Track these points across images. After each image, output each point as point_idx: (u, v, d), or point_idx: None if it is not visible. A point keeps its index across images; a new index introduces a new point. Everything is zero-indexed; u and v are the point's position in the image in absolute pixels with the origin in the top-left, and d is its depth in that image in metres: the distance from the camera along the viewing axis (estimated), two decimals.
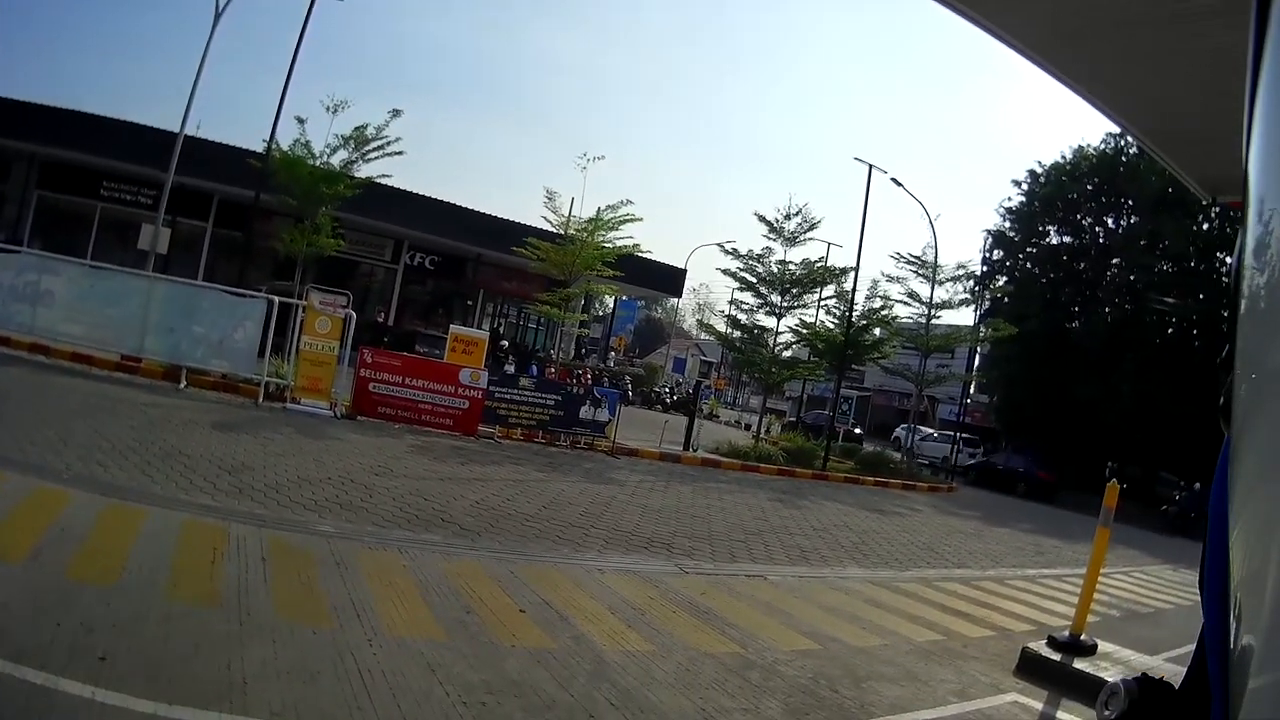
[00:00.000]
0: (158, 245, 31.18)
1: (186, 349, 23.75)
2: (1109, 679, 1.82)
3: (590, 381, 40.29)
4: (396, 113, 33.63)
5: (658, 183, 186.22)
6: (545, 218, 40.75)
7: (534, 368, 42.53)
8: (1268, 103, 1.32)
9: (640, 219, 38.70)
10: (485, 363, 27.06)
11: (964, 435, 58.60)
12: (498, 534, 14.00)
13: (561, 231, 39.54)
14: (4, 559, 8.24)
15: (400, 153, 33.98)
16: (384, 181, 36.11)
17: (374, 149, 33.61)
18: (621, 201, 38.34)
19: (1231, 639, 1.33)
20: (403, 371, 24.70)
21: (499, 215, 51.70)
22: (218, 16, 30.73)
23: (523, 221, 47.56)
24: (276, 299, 24.56)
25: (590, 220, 38.56)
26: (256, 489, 13.59)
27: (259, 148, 34.53)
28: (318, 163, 33.07)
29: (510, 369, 38.22)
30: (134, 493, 11.85)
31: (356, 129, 33.42)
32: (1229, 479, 1.40)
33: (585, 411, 27.91)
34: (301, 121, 33.78)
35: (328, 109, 33.71)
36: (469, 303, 55.38)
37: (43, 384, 19.82)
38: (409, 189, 46.02)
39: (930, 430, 64.19)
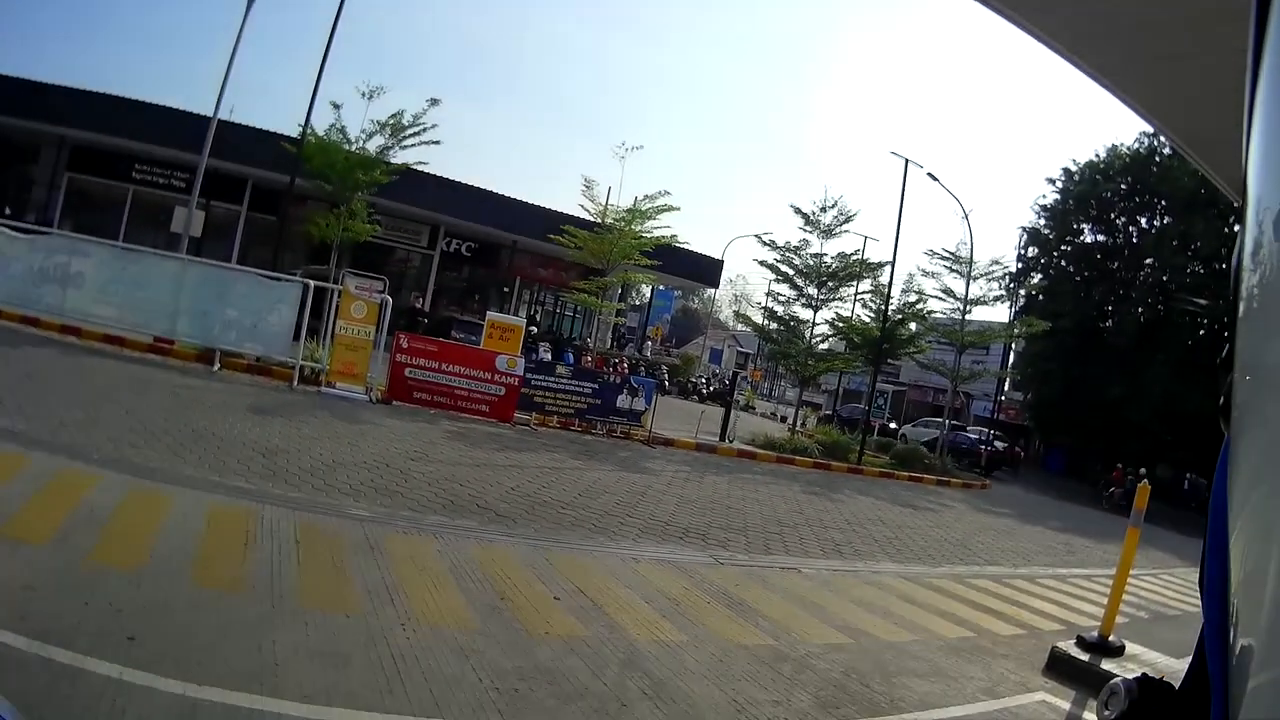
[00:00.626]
0: (191, 228, 31.25)
1: (220, 332, 23.77)
2: None
3: (627, 370, 40.25)
4: (434, 101, 33.66)
5: (695, 173, 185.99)
6: (583, 206, 40.76)
7: (569, 355, 42.49)
8: (1267, 103, 1.31)
9: (678, 209, 38.66)
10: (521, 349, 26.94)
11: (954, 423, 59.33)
12: (533, 521, 14.01)
13: (599, 220, 39.48)
14: (29, 540, 8.24)
15: (437, 141, 34.04)
16: (420, 168, 36.22)
17: (410, 135, 33.67)
18: (660, 192, 38.26)
19: (1231, 639, 1.31)
20: (439, 357, 24.70)
21: (536, 202, 51.87)
22: (250, 2, 30.72)
23: (560, 209, 47.53)
24: (312, 283, 24.62)
25: (628, 210, 38.53)
26: (290, 472, 13.59)
27: (294, 132, 34.71)
28: (353, 148, 33.15)
29: (547, 356, 38.12)
30: (164, 475, 11.85)
31: (393, 115, 33.55)
32: (1228, 479, 1.39)
33: (622, 400, 27.95)
34: (337, 107, 33.97)
35: (363, 95, 33.93)
36: (505, 289, 55.43)
37: (73, 365, 19.83)
38: (445, 175, 46.07)
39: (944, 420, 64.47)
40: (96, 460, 11.80)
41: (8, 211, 34.40)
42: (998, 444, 54.40)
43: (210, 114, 31.61)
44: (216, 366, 23.23)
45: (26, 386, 16.24)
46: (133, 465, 11.99)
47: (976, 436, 55.27)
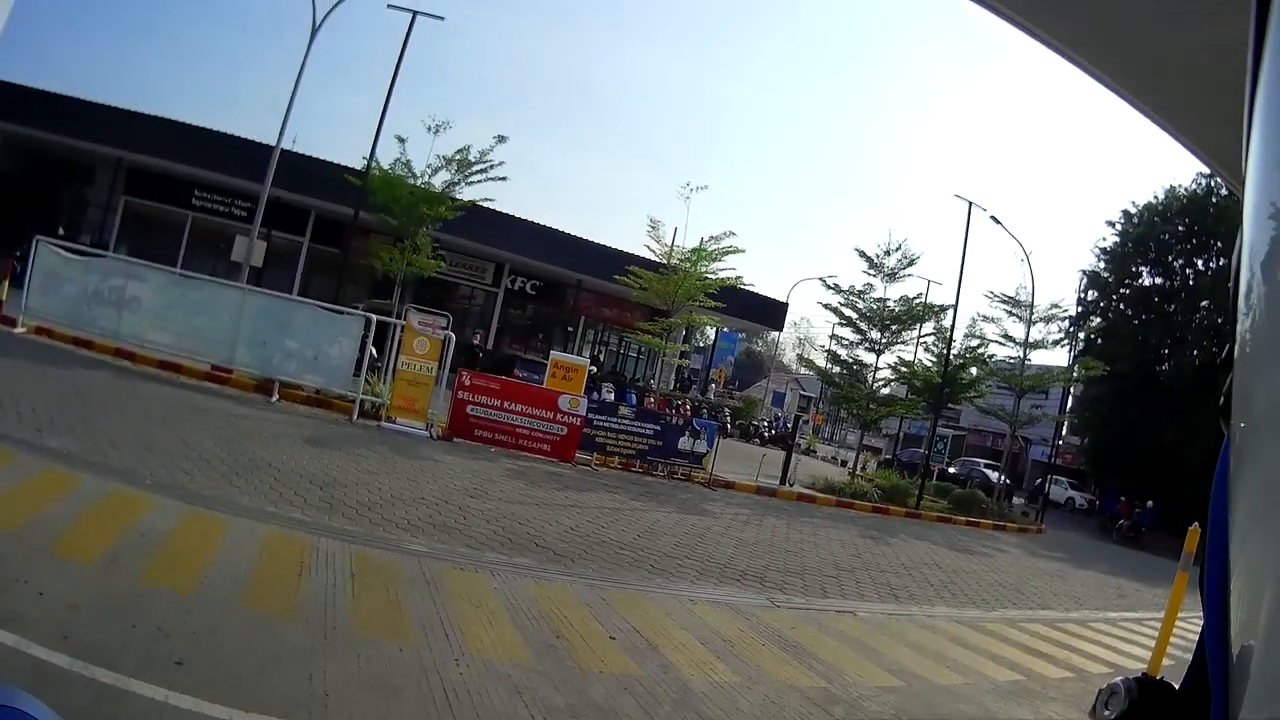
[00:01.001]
0: (252, 257, 31.45)
1: (279, 363, 23.89)
2: None
3: (689, 412, 40.20)
4: (501, 138, 34.33)
5: (761, 214, 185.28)
6: (648, 246, 40.85)
7: (632, 396, 42.41)
8: (1267, 105, 1.29)
9: (742, 250, 38.66)
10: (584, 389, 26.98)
11: (987, 462, 59.49)
12: (591, 561, 13.97)
13: (664, 261, 39.48)
14: (77, 559, 8.27)
15: (504, 178, 34.38)
16: (486, 205, 36.48)
17: (476, 172, 33.91)
18: (725, 233, 38.26)
19: (1231, 639, 1.31)
20: (501, 395, 24.70)
21: (601, 242, 51.91)
22: (314, 32, 30.96)
23: (625, 249, 47.86)
24: (374, 317, 24.75)
25: (693, 250, 38.53)
26: (347, 505, 13.61)
27: (357, 164, 35.06)
28: (418, 183, 33.46)
29: (609, 397, 38.05)
30: (219, 502, 11.88)
31: (459, 151, 33.91)
32: (1228, 479, 1.38)
33: (683, 442, 27.80)
34: (402, 141, 34.50)
35: (429, 129, 34.38)
36: (569, 329, 55.53)
37: (128, 389, 19.96)
38: (511, 212, 46.12)
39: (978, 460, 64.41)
40: (149, 485, 11.84)
41: (61, 231, 34.66)
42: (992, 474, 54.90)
43: (272, 142, 31.84)
44: (275, 397, 23.24)
45: (79, 408, 16.24)
46: (186, 491, 12.02)
47: (985, 472, 55.67)
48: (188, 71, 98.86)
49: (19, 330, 23.49)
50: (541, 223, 49.37)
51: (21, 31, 53.19)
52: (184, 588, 8.23)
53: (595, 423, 26.15)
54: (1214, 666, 1.38)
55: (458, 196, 34.33)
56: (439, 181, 33.97)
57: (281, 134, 31.50)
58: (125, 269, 25.37)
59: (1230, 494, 1.35)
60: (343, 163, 38.91)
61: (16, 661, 5.95)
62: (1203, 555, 1.53)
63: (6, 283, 25.10)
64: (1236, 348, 1.30)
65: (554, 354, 29.40)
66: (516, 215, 46.77)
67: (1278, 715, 1.08)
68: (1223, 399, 1.35)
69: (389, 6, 34.02)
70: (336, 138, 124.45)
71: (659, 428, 27.79)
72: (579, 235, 50.81)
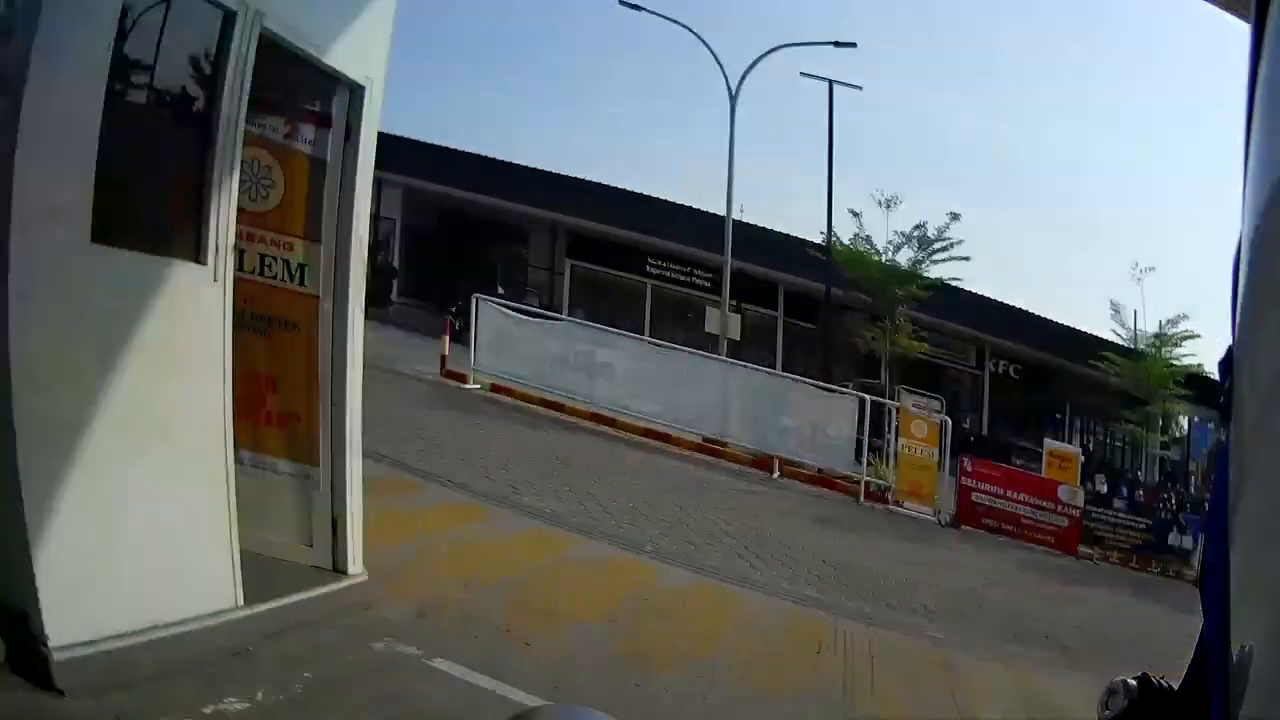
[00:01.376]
0: (728, 330, 31.97)
1: (775, 439, 23.90)
2: None
3: (1176, 506, 38.86)
4: (955, 216, 34.76)
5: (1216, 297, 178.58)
6: (1115, 330, 40.94)
7: (1124, 487, 41.30)
8: (1266, 103, 1.25)
9: (1198, 336, 37.46)
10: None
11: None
12: (1105, 660, 12.82)
13: (1131, 345, 38.97)
14: (569, 616, 8.42)
15: (966, 257, 35.17)
16: (955, 283, 36.82)
17: (940, 250, 34.60)
18: (1179, 315, 37.51)
19: (1231, 639, 1.24)
20: (1003, 483, 24.36)
21: (1070, 324, 50.31)
22: (733, 100, 31.69)
23: (1092, 331, 46.85)
24: (868, 397, 24.71)
25: (1155, 335, 38.54)
26: (863, 587, 13.59)
27: (802, 235, 37.08)
28: (883, 259, 34.11)
29: (1103, 488, 37.14)
30: (726, 574, 12.00)
31: (916, 227, 34.62)
32: (1229, 478, 1.31)
33: (1173, 538, 26.61)
34: (856, 215, 35.25)
35: (879, 204, 35.12)
36: (1058, 415, 54.65)
37: (611, 455, 20.28)
38: (982, 293, 45.31)
39: None
40: (649, 551, 12.03)
41: (501, 291, 35.68)
42: None
43: (713, 211, 32.67)
44: (776, 473, 23.16)
45: (559, 468, 16.54)
46: (690, 561, 12.20)
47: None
48: (609, 138, 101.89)
49: (472, 387, 24.00)
50: (1012, 303, 48.51)
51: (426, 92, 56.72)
52: (693, 654, 8.27)
53: (1092, 515, 25.54)
54: (1214, 666, 1.34)
55: (925, 274, 34.82)
56: (903, 259, 34.68)
57: (729, 204, 32.50)
58: (592, 334, 26.17)
59: (1230, 495, 1.30)
60: (789, 232, 40.46)
61: (495, 707, 6.03)
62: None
63: (448, 339, 25.88)
64: (1236, 349, 1.29)
65: (1048, 443, 29.56)
66: (987, 295, 46.28)
67: (1277, 716, 1.07)
68: (1223, 400, 1.34)
69: (802, 75, 34.67)
70: (772, 207, 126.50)
71: (1150, 522, 27.06)
72: (1051, 317, 49.80)
